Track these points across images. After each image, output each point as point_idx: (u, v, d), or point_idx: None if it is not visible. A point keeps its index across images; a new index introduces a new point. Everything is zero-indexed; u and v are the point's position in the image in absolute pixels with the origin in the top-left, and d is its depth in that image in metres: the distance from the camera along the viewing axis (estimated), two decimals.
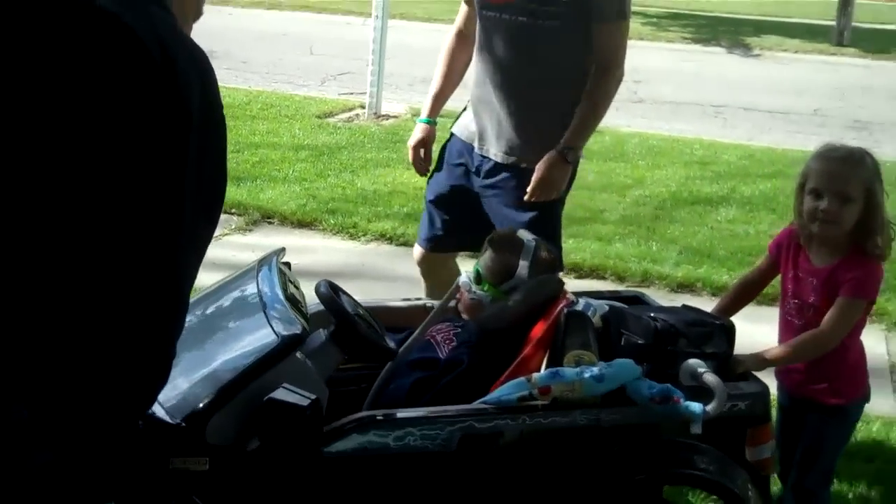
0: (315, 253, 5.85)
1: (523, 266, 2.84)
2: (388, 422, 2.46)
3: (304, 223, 6.48)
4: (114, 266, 1.62)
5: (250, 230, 6.36)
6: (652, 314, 2.75)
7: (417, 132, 3.85)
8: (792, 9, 21.65)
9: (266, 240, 6.01)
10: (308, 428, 2.29)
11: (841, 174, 2.90)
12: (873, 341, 5.08)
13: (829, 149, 2.98)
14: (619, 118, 10.37)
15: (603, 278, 5.73)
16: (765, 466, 2.73)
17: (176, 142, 1.59)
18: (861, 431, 4.04)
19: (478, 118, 3.68)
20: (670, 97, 11.69)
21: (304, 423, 2.27)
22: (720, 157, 8.69)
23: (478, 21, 3.60)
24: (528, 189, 3.48)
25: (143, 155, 1.57)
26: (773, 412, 2.95)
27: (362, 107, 9.74)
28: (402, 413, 2.50)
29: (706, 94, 11.98)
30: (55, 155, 1.54)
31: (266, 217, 6.53)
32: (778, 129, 10.26)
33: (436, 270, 3.85)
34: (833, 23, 17.28)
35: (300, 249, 5.50)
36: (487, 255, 2.90)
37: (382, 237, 6.23)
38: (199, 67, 1.64)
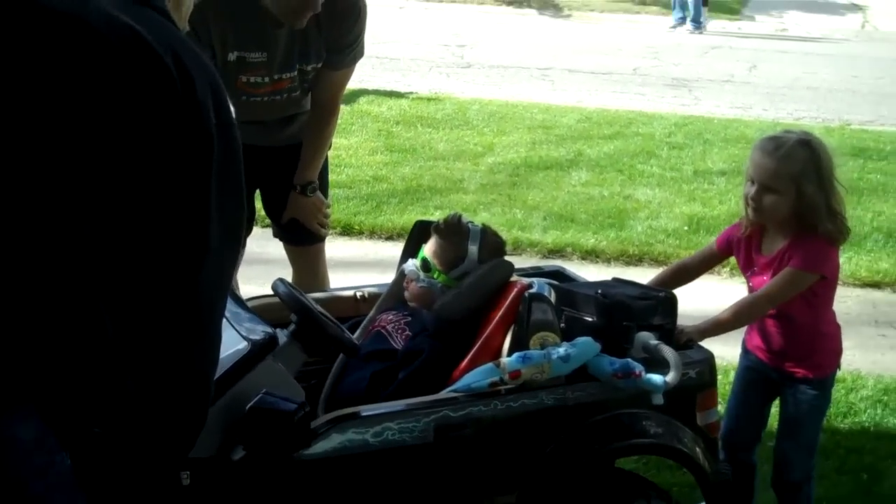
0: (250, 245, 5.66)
1: (473, 251, 2.84)
2: (365, 418, 2.43)
3: None
4: (140, 289, 1.57)
5: None
6: (599, 290, 2.81)
7: None
8: None
9: None
10: (297, 432, 2.24)
11: (763, 166, 2.98)
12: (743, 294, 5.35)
13: (762, 140, 3.06)
14: (451, 84, 10.49)
15: None
16: (713, 429, 2.85)
17: (200, 158, 1.55)
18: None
19: None
20: (496, 61, 11.85)
21: (293, 428, 2.22)
22: (559, 120, 8.91)
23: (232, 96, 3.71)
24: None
25: (168, 170, 1.53)
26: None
27: None
28: (377, 408, 2.47)
29: (529, 57, 12.21)
30: (81, 175, 1.49)
31: None
32: (604, 90, 10.59)
33: None
34: None
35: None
36: (434, 242, 2.88)
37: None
38: (212, 84, 1.60)
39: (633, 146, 8.10)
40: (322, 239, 3.93)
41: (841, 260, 5.66)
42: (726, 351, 3.57)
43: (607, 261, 5.78)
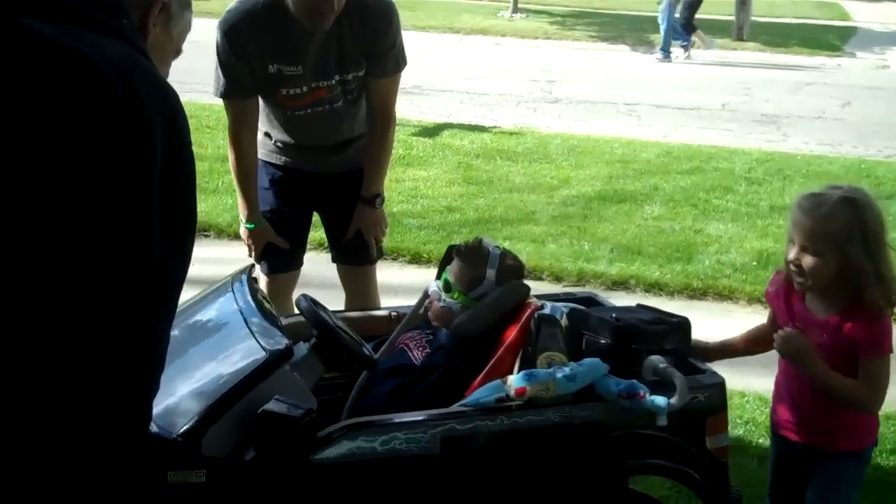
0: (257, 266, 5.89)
1: (491, 274, 2.97)
2: (375, 427, 2.57)
3: (239, 235, 6.49)
4: (78, 308, 1.62)
5: None
6: (613, 314, 2.90)
7: (256, 238, 3.96)
8: None
9: (203, 252, 5.96)
10: (303, 437, 2.38)
11: (803, 225, 2.83)
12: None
13: (802, 197, 2.90)
14: (537, 119, 10.62)
15: (540, 279, 5.90)
16: (723, 454, 2.90)
17: (140, 177, 1.63)
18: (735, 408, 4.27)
19: None
20: (584, 96, 11.95)
21: (299, 432, 2.36)
22: (639, 155, 8.95)
23: (278, 115, 3.88)
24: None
25: (107, 187, 1.61)
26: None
27: None
28: (387, 418, 2.61)
29: (617, 92, 12.28)
30: (13, 189, 1.57)
31: (201, 230, 6.53)
32: (690, 126, 10.59)
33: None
34: (732, 18, 17.77)
35: (237, 261, 5.53)
36: (455, 264, 3.02)
37: (320, 246, 6.29)
38: (165, 105, 1.70)
39: (711, 181, 8.11)
40: (375, 261, 4.09)
41: None
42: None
43: (671, 294, 5.82)
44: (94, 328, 1.64)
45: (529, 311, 2.82)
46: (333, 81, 3.70)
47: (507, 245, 6.32)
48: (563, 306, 3.04)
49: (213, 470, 2.42)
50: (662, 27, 15.06)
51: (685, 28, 15.35)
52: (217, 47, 3.68)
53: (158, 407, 2.46)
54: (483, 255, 3.00)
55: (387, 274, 4.68)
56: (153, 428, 2.40)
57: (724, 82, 13.30)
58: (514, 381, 2.62)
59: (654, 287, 5.88)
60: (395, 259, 6.17)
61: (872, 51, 17.02)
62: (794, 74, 14.21)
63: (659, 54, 15.05)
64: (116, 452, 1.75)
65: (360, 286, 4.10)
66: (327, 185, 3.97)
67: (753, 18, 18.05)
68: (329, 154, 3.96)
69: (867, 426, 3.03)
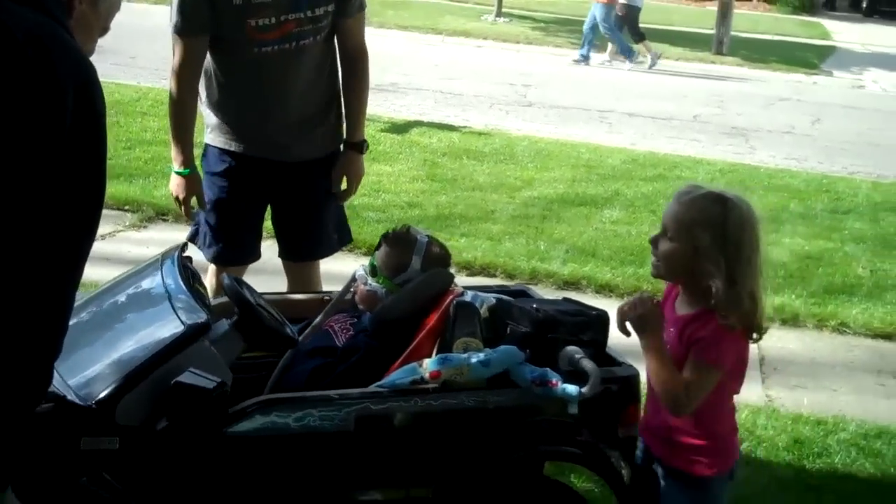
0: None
1: (416, 261, 3.03)
2: (289, 403, 2.62)
3: None
4: None
5: (144, 227, 6.41)
6: (535, 305, 2.96)
7: (187, 185, 3.81)
8: (675, 17, 22.33)
9: (161, 235, 6.07)
10: (213, 409, 2.44)
11: (668, 209, 2.74)
12: None
13: (682, 186, 2.79)
14: (508, 121, 10.70)
15: (493, 276, 5.96)
16: (633, 444, 2.96)
17: (48, 134, 1.69)
18: None
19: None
20: (558, 101, 12.03)
21: (210, 404, 2.42)
22: (605, 160, 9.04)
23: (238, 56, 3.73)
24: (347, 189, 3.99)
25: (14, 143, 1.67)
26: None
27: None
28: (301, 395, 2.67)
29: (592, 99, 12.37)
30: None
31: (160, 214, 6.57)
32: (660, 135, 10.67)
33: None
34: (713, 32, 17.91)
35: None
36: (382, 250, 3.08)
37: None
38: (79, 73, 1.76)
39: (672, 188, 8.07)
40: (321, 257, 4.09)
41: (856, 311, 5.81)
42: None
43: (621, 295, 5.86)
44: (1, 286, 1.69)
45: (450, 298, 2.88)
46: (303, 15, 3.66)
47: (463, 242, 6.46)
48: (490, 296, 3.11)
49: (126, 438, 2.47)
50: (612, 37, 15.29)
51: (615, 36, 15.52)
52: None
53: (76, 376, 2.54)
54: (410, 242, 3.06)
55: (341, 264, 4.71)
56: (69, 395, 2.46)
57: (699, 94, 13.42)
58: (429, 364, 2.68)
59: (605, 288, 5.95)
60: (350, 251, 6.21)
61: (850, 70, 17.21)
62: (769, 90, 14.34)
63: (628, 62, 15.27)
64: (19, 409, 1.81)
65: (305, 278, 4.07)
66: (285, 175, 3.90)
67: (735, 33, 18.21)
68: (296, 136, 3.85)
69: (718, 451, 2.76)
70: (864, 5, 27.31)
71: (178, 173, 3.79)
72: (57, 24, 1.81)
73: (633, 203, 7.73)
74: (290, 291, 3.84)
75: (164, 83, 11.76)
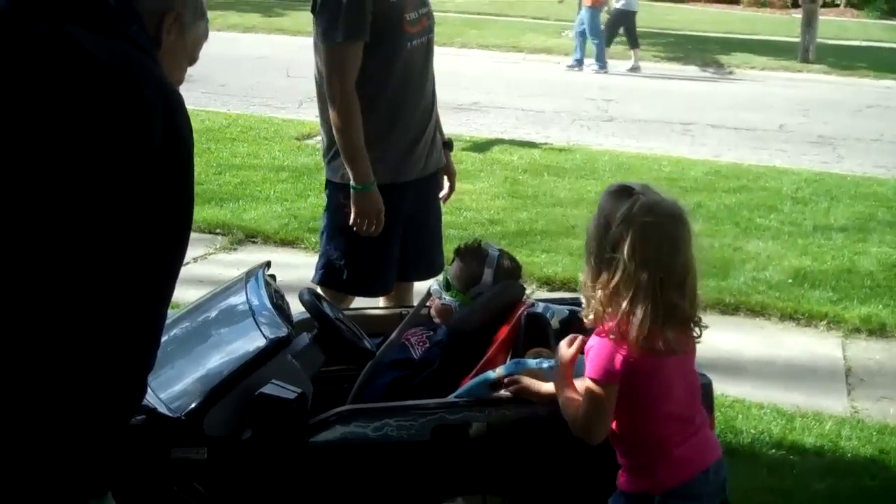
0: (298, 269, 6.08)
1: (488, 273, 3.12)
2: (367, 413, 2.72)
3: (286, 241, 6.74)
4: (86, 284, 1.77)
5: (235, 249, 6.61)
6: None
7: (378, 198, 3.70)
8: (759, 26, 22.14)
9: (250, 257, 6.25)
10: (295, 419, 2.55)
11: None
12: (829, 348, 5.40)
13: None
14: (590, 136, 10.73)
15: (574, 290, 5.98)
16: None
17: (138, 158, 1.79)
18: (814, 430, 4.33)
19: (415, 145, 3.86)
20: (640, 115, 12.03)
21: (291, 414, 2.53)
22: (687, 173, 9.01)
23: (395, 53, 3.70)
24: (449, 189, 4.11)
25: (109, 169, 1.77)
26: None
27: None
28: (379, 406, 2.77)
29: (675, 111, 12.33)
30: (27, 172, 1.75)
31: (249, 236, 6.78)
32: (744, 146, 10.60)
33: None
34: (798, 40, 17.70)
35: (283, 266, 5.73)
36: (455, 264, 3.18)
37: None
38: (165, 102, 1.86)
39: (756, 200, 8.13)
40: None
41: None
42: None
43: (702, 308, 5.86)
44: (98, 305, 1.79)
45: (521, 309, 2.96)
46: (428, 9, 3.83)
47: (544, 258, 6.53)
48: (562, 308, 3.17)
49: (214, 448, 2.59)
50: (593, 41, 15.48)
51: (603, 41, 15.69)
52: None
53: (167, 390, 2.67)
54: (481, 256, 3.15)
55: (422, 282, 4.84)
56: (161, 408, 2.60)
57: (784, 103, 13.28)
58: (502, 369, 2.76)
59: None
60: None
61: None
62: (856, 97, 14.12)
63: (595, 66, 15.46)
64: (116, 421, 1.91)
65: (409, 295, 4.11)
66: (413, 193, 3.89)
67: (821, 40, 17.96)
68: (428, 145, 3.89)
69: (637, 469, 2.60)
70: None
71: (367, 188, 3.66)
72: (145, 55, 1.92)
73: (715, 215, 7.69)
74: (369, 308, 3.95)
75: (254, 109, 11.98)
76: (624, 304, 2.39)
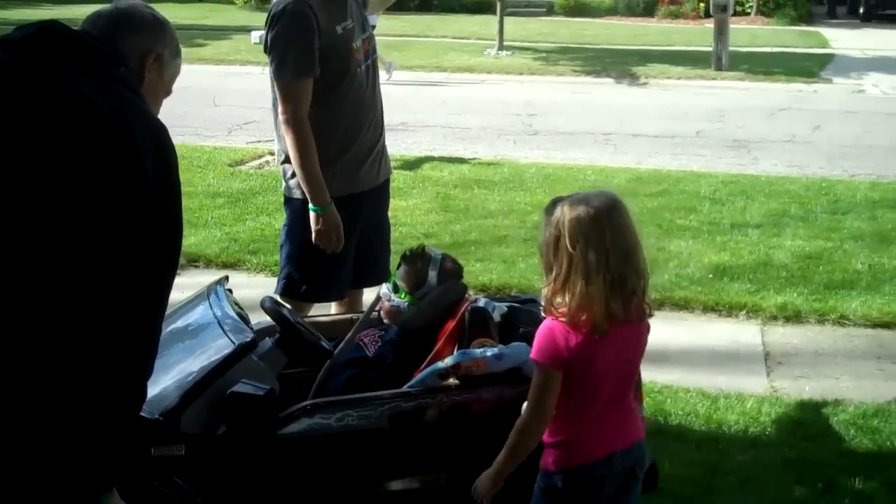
0: (242, 289, 6.24)
1: (432, 275, 3.40)
2: (330, 406, 2.99)
3: (228, 264, 6.93)
4: (88, 301, 1.97)
5: (178, 274, 6.74)
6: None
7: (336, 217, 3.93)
8: (674, 37, 22.73)
9: (193, 280, 6.40)
10: (265, 413, 2.80)
11: None
12: (749, 335, 5.77)
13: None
14: (516, 150, 11.08)
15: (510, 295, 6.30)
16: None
17: (133, 193, 2.01)
18: (736, 408, 4.67)
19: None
20: (564, 128, 12.42)
21: (262, 409, 2.78)
22: (611, 180, 9.38)
23: (348, 79, 3.98)
24: None
25: (106, 202, 1.98)
26: None
27: (271, 153, 10.17)
28: (341, 398, 3.03)
29: (597, 123, 12.75)
30: (30, 204, 1.95)
31: (192, 261, 6.96)
32: (664, 153, 11.04)
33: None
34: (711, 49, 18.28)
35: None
36: (402, 268, 3.46)
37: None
38: (155, 139, 2.09)
39: (676, 203, 8.54)
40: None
41: (855, 304, 6.13)
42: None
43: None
44: (101, 319, 1.99)
45: (465, 305, 3.25)
46: (369, 32, 4.12)
47: (478, 266, 6.83)
48: (502, 304, 3.47)
49: (191, 444, 2.84)
50: None
51: None
52: (288, 30, 3.79)
53: None
54: (426, 259, 3.44)
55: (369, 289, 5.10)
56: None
57: (700, 110, 13.77)
58: (450, 359, 3.04)
59: None
60: None
61: (849, 76, 17.52)
62: (769, 101, 14.67)
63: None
64: (122, 422, 2.11)
65: (359, 302, 4.37)
66: (368, 202, 4.19)
67: (734, 49, 18.54)
68: (380, 155, 4.22)
69: (560, 447, 2.74)
70: (862, 10, 27.65)
71: (325, 209, 3.89)
72: (134, 95, 2.15)
73: (639, 218, 7.80)
74: (323, 314, 4.21)
75: (184, 138, 12.06)
76: (580, 286, 2.55)
